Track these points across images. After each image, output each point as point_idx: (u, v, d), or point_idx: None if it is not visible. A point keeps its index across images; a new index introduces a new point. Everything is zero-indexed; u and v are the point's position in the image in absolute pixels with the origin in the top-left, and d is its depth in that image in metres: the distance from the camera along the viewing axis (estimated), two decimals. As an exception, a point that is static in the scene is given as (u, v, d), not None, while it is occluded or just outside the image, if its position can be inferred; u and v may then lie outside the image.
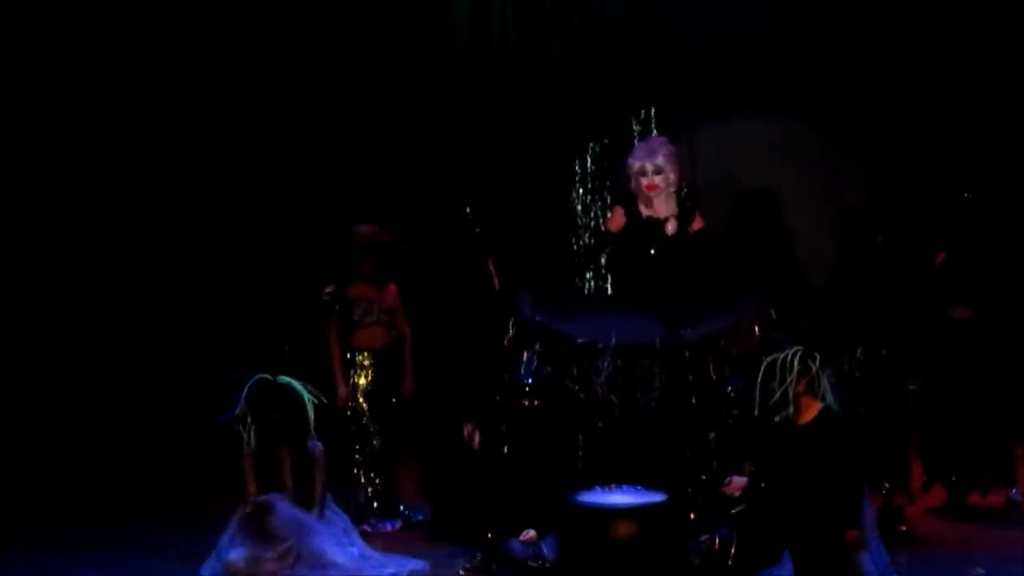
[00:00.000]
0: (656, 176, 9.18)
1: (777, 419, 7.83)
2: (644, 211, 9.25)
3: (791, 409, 7.80)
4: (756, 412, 7.84)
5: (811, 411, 7.81)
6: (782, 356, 7.76)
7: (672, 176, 9.20)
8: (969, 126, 10.87)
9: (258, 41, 10.98)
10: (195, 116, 10.95)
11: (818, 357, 7.75)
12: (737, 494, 7.97)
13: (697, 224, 9.24)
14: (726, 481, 8.04)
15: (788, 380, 7.73)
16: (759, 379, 7.78)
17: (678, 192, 9.22)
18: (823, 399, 7.76)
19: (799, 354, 7.74)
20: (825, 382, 7.76)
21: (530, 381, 8.68)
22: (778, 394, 7.76)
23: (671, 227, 9.19)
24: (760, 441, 7.96)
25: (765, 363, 7.79)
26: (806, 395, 7.80)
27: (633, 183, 9.26)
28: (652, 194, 9.19)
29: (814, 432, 7.77)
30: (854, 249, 9.56)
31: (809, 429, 7.79)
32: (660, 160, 9.18)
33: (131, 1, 10.90)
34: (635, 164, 9.24)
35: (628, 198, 9.31)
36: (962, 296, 9.40)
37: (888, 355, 9.22)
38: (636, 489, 8.10)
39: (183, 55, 10.91)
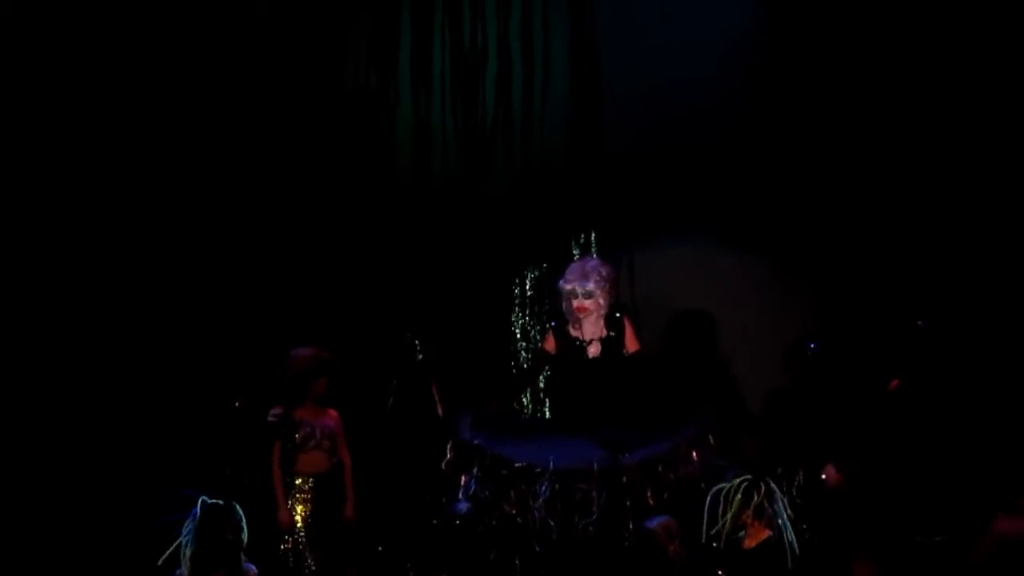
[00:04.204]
0: (587, 300, 9.23)
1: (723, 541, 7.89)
2: (572, 331, 9.30)
3: (741, 534, 7.88)
4: (703, 539, 7.89)
5: (758, 536, 7.87)
6: (728, 486, 7.83)
7: (603, 301, 9.25)
8: (916, 254, 10.88)
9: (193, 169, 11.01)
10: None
11: (763, 487, 7.80)
12: None
13: (633, 346, 9.29)
14: None
15: (731, 510, 7.81)
16: (706, 507, 7.84)
17: (607, 316, 9.27)
18: (772, 526, 7.81)
19: (744, 484, 7.80)
20: (779, 508, 7.80)
21: (467, 507, 8.67)
22: (727, 523, 7.83)
23: (593, 350, 9.23)
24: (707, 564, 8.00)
25: (711, 493, 7.86)
26: (754, 522, 7.86)
27: (564, 303, 9.31)
28: (582, 316, 9.25)
29: (756, 559, 7.81)
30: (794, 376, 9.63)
31: (753, 555, 7.84)
32: (591, 285, 9.23)
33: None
34: (566, 286, 9.31)
35: (560, 316, 9.36)
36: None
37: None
38: (573, 614, 8.11)
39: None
